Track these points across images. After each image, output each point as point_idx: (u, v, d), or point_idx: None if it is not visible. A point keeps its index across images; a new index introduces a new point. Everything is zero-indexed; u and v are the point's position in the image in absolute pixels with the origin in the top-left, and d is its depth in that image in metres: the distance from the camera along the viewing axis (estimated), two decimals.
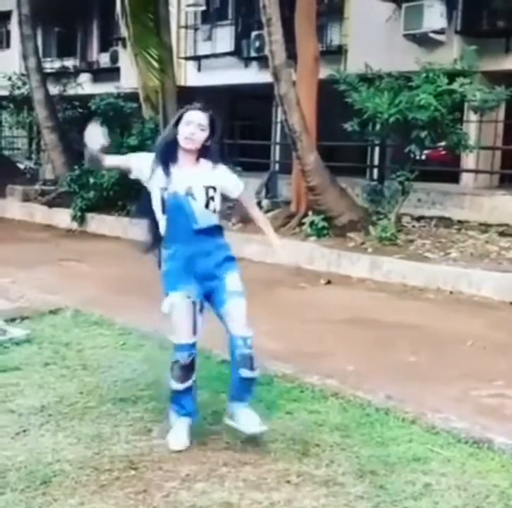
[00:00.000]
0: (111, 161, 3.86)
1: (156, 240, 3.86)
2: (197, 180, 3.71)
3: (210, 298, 3.83)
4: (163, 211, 3.73)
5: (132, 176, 3.84)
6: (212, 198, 3.72)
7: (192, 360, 3.79)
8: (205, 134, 3.71)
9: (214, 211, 3.75)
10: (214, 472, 3.51)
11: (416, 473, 3.53)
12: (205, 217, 3.72)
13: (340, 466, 3.59)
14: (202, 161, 3.78)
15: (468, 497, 3.32)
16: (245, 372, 3.80)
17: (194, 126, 3.67)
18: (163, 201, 3.71)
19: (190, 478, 3.44)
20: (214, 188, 3.72)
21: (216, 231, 3.80)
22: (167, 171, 3.70)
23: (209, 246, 3.76)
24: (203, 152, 3.77)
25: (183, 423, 3.83)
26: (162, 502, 3.20)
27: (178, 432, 3.80)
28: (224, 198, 3.88)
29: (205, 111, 3.75)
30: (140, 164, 3.81)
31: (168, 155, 3.73)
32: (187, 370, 3.79)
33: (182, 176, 3.70)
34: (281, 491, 3.33)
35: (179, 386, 3.80)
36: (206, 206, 3.71)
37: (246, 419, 3.81)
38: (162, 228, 3.78)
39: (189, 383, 3.82)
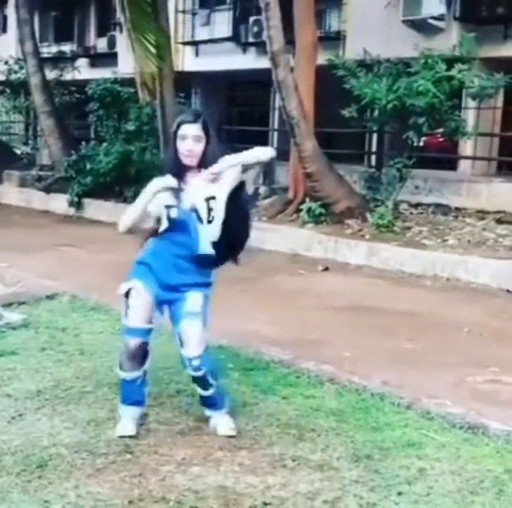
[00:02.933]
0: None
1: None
2: (198, 195, 3.63)
3: (169, 309, 3.78)
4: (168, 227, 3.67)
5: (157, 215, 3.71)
6: (212, 209, 3.64)
7: (141, 347, 3.71)
8: (202, 145, 3.64)
9: (211, 221, 3.63)
10: (209, 456, 3.52)
11: (411, 457, 3.55)
12: (207, 244, 3.63)
13: (335, 451, 3.60)
14: (203, 171, 3.68)
15: (462, 481, 3.34)
16: (198, 390, 3.83)
17: (189, 141, 3.61)
18: (168, 219, 3.64)
19: (185, 461, 3.45)
20: (214, 198, 3.63)
21: (209, 261, 3.69)
22: (179, 191, 3.65)
23: (196, 269, 3.68)
24: (203, 162, 3.67)
25: (130, 412, 3.80)
26: (157, 486, 3.21)
27: (125, 420, 3.77)
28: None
29: (196, 120, 3.65)
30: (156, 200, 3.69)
31: (175, 172, 3.68)
32: (134, 355, 3.72)
33: (187, 195, 3.64)
34: (276, 475, 3.35)
35: (124, 375, 3.77)
36: (208, 220, 3.62)
37: (216, 422, 3.82)
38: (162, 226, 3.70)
39: (135, 374, 3.76)
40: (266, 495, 3.16)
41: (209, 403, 3.87)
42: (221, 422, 3.82)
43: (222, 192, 3.66)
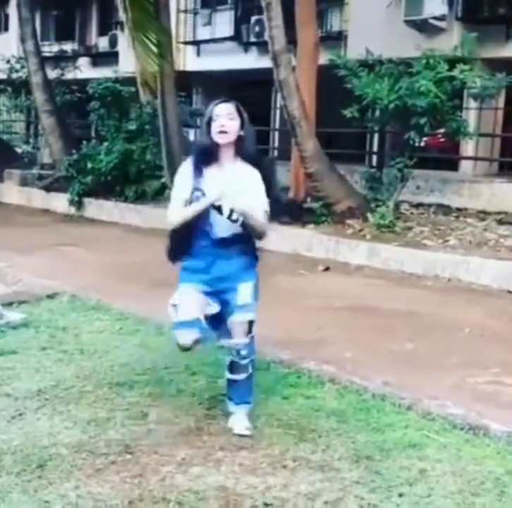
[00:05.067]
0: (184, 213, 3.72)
1: (181, 250, 3.81)
2: (229, 186, 3.59)
3: (222, 301, 3.81)
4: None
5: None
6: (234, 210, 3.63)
7: (196, 339, 3.67)
8: (236, 123, 3.64)
9: (237, 221, 3.60)
10: (210, 456, 3.51)
11: (412, 458, 3.54)
12: (228, 226, 3.65)
13: (336, 451, 3.60)
14: (237, 162, 3.69)
15: (463, 483, 3.33)
16: (229, 375, 3.88)
17: (223, 118, 3.61)
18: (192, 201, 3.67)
19: (186, 462, 3.45)
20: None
21: (239, 238, 3.73)
22: (201, 173, 3.66)
23: (230, 252, 3.73)
24: (239, 147, 3.68)
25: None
26: (158, 486, 3.20)
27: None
28: None
29: (229, 101, 3.69)
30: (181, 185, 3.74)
31: (207, 157, 3.68)
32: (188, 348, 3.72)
33: (217, 178, 3.64)
34: (277, 476, 3.34)
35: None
36: (230, 216, 3.59)
37: (234, 420, 3.85)
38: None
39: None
40: (266, 496, 3.15)
41: (237, 392, 3.87)
42: (238, 421, 3.82)
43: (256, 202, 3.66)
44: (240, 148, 3.70)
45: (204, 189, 3.64)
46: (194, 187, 3.66)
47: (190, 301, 3.73)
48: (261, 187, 3.75)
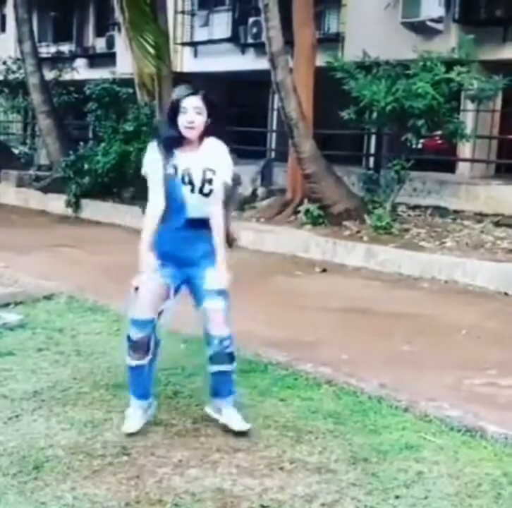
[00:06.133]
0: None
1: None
2: (196, 163, 3.66)
3: (190, 288, 3.80)
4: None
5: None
6: (210, 181, 3.66)
7: (145, 338, 3.69)
8: (203, 117, 3.65)
9: (209, 194, 3.67)
10: (206, 458, 3.51)
11: (408, 460, 3.54)
12: (198, 207, 3.68)
13: (332, 453, 3.59)
14: (206, 141, 3.72)
15: (460, 485, 3.33)
16: (216, 367, 3.77)
17: (190, 113, 3.62)
18: (165, 181, 3.68)
19: (182, 463, 3.44)
20: (213, 171, 3.67)
21: (208, 222, 3.73)
22: (170, 154, 3.68)
23: (197, 235, 3.71)
24: (205, 134, 3.71)
25: (138, 406, 3.81)
26: (154, 488, 3.19)
27: (132, 414, 3.79)
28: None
29: (197, 93, 3.68)
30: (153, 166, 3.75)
31: (171, 143, 3.70)
32: (138, 347, 3.71)
33: (183, 159, 3.67)
34: (274, 477, 3.33)
35: (131, 362, 3.76)
36: (201, 189, 3.66)
37: (228, 416, 3.81)
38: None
39: (141, 362, 3.74)
40: (263, 498, 3.15)
41: (225, 384, 3.82)
42: (232, 416, 3.79)
43: (222, 172, 3.69)
44: (209, 134, 3.72)
45: (178, 165, 3.66)
46: (170, 164, 3.66)
47: (148, 293, 3.69)
48: (226, 160, 3.73)
